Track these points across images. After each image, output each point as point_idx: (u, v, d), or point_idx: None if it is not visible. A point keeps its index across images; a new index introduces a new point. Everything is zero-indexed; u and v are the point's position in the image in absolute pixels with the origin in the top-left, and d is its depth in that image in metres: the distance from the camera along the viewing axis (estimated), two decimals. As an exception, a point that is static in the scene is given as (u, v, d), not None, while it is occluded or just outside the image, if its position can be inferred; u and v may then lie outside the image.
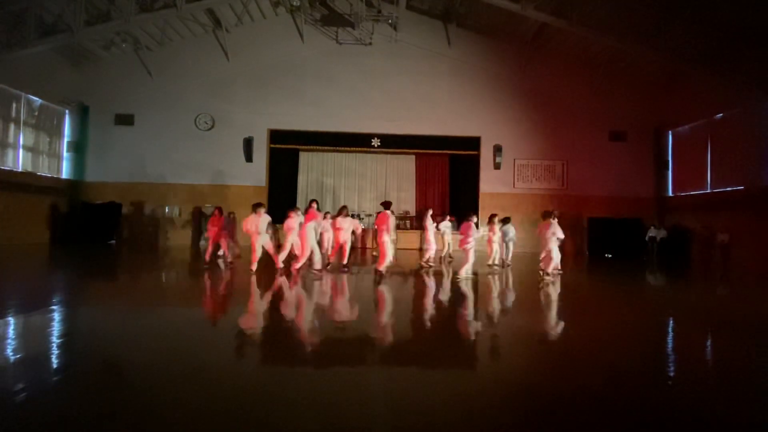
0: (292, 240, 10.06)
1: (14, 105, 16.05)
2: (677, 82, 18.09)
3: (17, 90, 16.00)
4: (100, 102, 18.59)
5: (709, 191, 16.75)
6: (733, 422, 3.14)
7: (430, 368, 4.11)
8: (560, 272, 10.39)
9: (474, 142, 19.32)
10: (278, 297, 7.87)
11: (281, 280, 9.10)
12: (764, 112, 14.40)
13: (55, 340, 4.68)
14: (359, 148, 19.53)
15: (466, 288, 8.89)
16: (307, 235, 9.73)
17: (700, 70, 15.70)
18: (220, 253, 11.94)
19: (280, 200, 17.53)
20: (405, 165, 20.36)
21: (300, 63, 19.20)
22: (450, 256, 13.64)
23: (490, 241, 11.78)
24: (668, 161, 19.16)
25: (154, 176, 18.65)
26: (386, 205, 9.85)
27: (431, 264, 11.52)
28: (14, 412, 2.92)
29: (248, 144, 18.73)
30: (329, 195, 19.87)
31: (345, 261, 10.79)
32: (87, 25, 15.26)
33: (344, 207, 11.04)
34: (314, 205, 11.71)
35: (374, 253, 11.72)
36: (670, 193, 19.09)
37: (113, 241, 17.61)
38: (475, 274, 10.46)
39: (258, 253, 9.70)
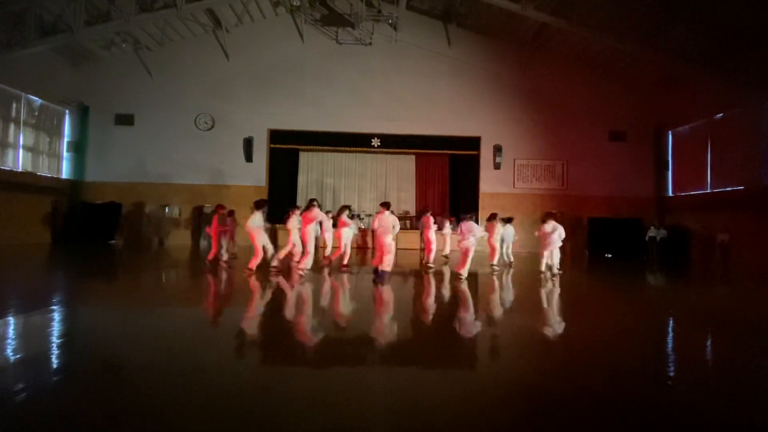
0: (294, 239, 10.05)
1: (14, 105, 16.06)
2: (677, 82, 18.09)
3: (17, 90, 16.01)
4: (100, 102, 18.59)
5: (709, 191, 16.75)
6: (733, 422, 3.14)
7: (430, 368, 4.11)
8: (560, 272, 10.39)
9: (474, 142, 19.32)
10: (278, 297, 7.87)
11: (281, 279, 9.10)
12: (764, 112, 14.40)
13: (55, 340, 4.68)
14: (359, 148, 19.53)
15: (466, 288, 8.89)
16: (308, 235, 9.71)
17: (700, 70, 15.70)
18: (223, 252, 11.84)
19: (280, 200, 17.50)
20: (405, 165, 20.36)
21: (300, 63, 19.21)
22: (446, 257, 13.64)
23: (490, 242, 11.77)
24: (668, 161, 19.16)
25: (154, 176, 18.65)
26: (386, 205, 9.91)
27: (431, 265, 11.48)
28: (14, 412, 2.92)
29: (248, 144, 18.74)
30: (329, 195, 19.87)
31: (345, 261, 10.80)
32: (87, 25, 15.26)
33: (345, 207, 11.05)
34: (315, 205, 11.65)
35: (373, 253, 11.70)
36: (670, 193, 19.09)
37: (113, 241, 17.61)
38: (475, 274, 10.47)
39: (260, 253, 9.64)
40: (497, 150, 19.12)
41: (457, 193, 19.76)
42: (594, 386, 3.70)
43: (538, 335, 5.59)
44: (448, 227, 13.90)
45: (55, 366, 3.94)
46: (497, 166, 19.19)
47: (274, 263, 9.94)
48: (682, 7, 14.33)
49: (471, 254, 9.61)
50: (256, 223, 9.69)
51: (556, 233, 10.08)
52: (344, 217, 10.59)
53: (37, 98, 16.89)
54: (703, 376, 4.19)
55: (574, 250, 17.96)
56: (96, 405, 3.08)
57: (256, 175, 18.84)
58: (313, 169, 20.19)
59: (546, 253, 10.10)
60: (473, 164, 19.43)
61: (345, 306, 7.31)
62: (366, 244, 18.10)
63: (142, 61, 18.47)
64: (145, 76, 18.63)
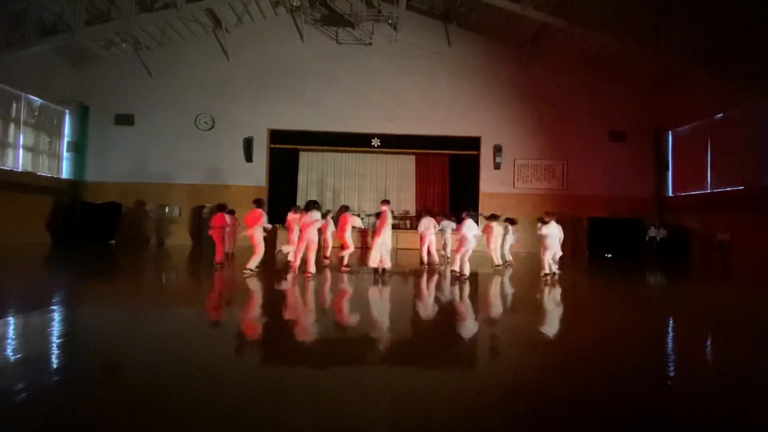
0: (294, 239, 10.05)
1: (14, 105, 16.06)
2: (677, 82, 18.09)
3: (17, 90, 16.01)
4: (100, 102, 18.60)
5: (709, 191, 16.76)
6: (733, 422, 3.14)
7: (430, 368, 4.11)
8: (559, 272, 10.40)
9: (474, 142, 19.33)
10: (279, 296, 7.87)
11: (281, 279, 9.11)
12: (764, 112, 14.41)
13: (55, 340, 4.68)
14: (359, 148, 19.54)
15: (466, 287, 8.89)
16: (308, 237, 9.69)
17: (700, 70, 15.71)
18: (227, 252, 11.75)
19: (280, 200, 17.54)
20: (405, 165, 20.37)
21: (300, 63, 19.21)
22: (445, 257, 13.63)
23: (489, 242, 11.78)
24: (668, 161, 19.16)
25: (154, 176, 18.65)
26: (385, 202, 10.13)
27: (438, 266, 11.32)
28: (14, 412, 2.92)
29: (248, 144, 18.74)
30: (329, 195, 19.87)
31: (346, 260, 10.80)
32: (87, 25, 15.27)
33: (345, 206, 11.06)
34: (315, 208, 11.62)
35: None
36: (670, 193, 19.10)
37: (113, 241, 17.61)
38: (475, 274, 10.47)
39: (260, 252, 9.61)
40: (497, 150, 19.13)
41: (457, 193, 19.76)
42: (594, 386, 3.70)
43: (538, 335, 5.59)
44: (445, 226, 13.82)
45: (55, 366, 3.94)
46: (497, 166, 19.19)
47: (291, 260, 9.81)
48: (682, 7, 14.34)
49: (469, 253, 9.62)
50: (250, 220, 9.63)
51: (558, 232, 10.10)
52: (348, 215, 10.61)
53: (37, 98, 16.89)
54: (703, 376, 4.19)
55: (574, 251, 17.97)
56: (96, 405, 3.08)
57: (256, 175, 18.85)
58: (313, 169, 20.20)
59: (549, 254, 10.10)
60: (473, 164, 19.43)
61: (345, 306, 7.31)
62: (366, 244, 18.08)
63: (142, 61, 18.48)
64: (145, 76, 18.63)
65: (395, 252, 15.75)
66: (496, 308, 7.48)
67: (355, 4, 17.71)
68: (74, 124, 18.50)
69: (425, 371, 4.03)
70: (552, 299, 8.22)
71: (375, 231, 10.18)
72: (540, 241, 10.39)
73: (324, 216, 12.43)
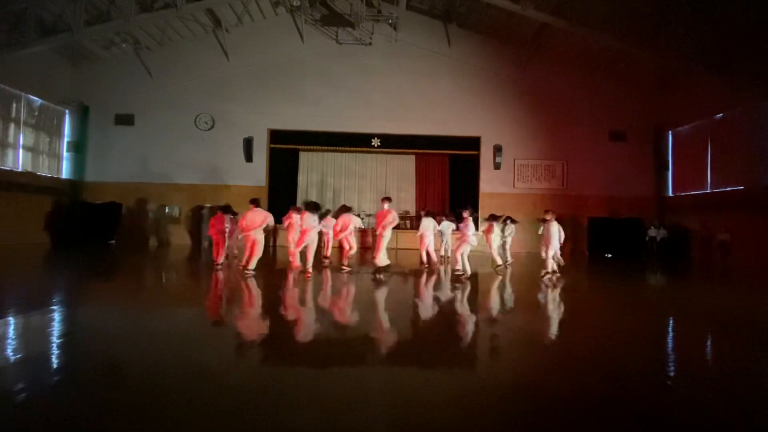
0: (293, 238, 10.04)
1: (14, 105, 16.06)
2: (677, 82, 18.09)
3: (17, 90, 16.01)
4: (100, 102, 18.60)
5: (709, 191, 16.76)
6: (734, 422, 3.14)
7: (430, 368, 4.11)
8: (550, 273, 10.41)
9: (474, 142, 19.33)
10: (279, 296, 7.87)
11: (281, 279, 9.11)
12: (764, 112, 14.41)
13: (55, 340, 4.68)
14: (359, 148, 19.54)
15: (466, 287, 8.89)
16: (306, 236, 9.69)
17: (700, 70, 15.72)
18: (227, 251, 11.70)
19: (280, 200, 17.53)
20: (405, 165, 20.36)
21: (300, 63, 19.21)
22: (445, 257, 13.63)
23: (488, 242, 11.77)
24: (668, 161, 19.16)
25: (154, 176, 18.65)
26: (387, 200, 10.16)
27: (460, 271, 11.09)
28: (14, 412, 2.92)
29: (248, 144, 18.75)
30: (329, 195, 19.87)
31: (346, 260, 10.80)
32: (87, 25, 15.27)
33: (346, 207, 11.06)
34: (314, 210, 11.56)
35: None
36: (670, 193, 19.09)
37: (113, 242, 17.61)
38: (475, 274, 10.46)
39: (258, 252, 9.56)
40: (497, 150, 19.13)
41: (457, 193, 19.74)
42: (594, 386, 3.70)
43: (538, 335, 5.59)
44: (445, 226, 13.81)
45: (55, 366, 3.94)
46: (497, 166, 19.19)
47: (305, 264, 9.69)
48: (682, 7, 14.34)
49: (467, 251, 9.62)
50: (252, 220, 9.56)
51: (560, 231, 10.12)
52: (347, 216, 10.60)
53: (37, 98, 16.89)
54: (703, 376, 4.19)
55: (574, 250, 17.98)
56: (96, 405, 3.08)
57: (256, 175, 18.85)
58: (313, 169, 20.20)
59: (551, 253, 10.10)
60: (473, 164, 19.44)
61: (345, 305, 7.31)
62: (366, 243, 18.09)
63: (142, 61, 18.48)
64: (145, 76, 18.64)
65: (395, 252, 15.77)
66: (496, 308, 7.48)
67: (355, 4, 17.71)
68: (74, 124, 18.50)
69: (425, 371, 4.03)
70: (552, 299, 8.22)
71: (375, 229, 10.21)
72: (541, 241, 10.39)
73: (324, 215, 12.44)
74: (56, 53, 17.12)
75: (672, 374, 4.19)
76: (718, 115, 16.36)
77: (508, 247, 12.64)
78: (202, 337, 5.09)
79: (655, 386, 3.75)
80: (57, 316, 5.72)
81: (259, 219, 9.45)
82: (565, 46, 18.33)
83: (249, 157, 18.76)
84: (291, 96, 19.00)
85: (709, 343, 5.70)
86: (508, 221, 12.63)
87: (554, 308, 7.55)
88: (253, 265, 9.40)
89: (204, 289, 8.88)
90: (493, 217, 11.50)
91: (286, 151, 19.34)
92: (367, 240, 18.00)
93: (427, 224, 11.89)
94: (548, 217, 10.24)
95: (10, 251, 13.55)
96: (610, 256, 17.56)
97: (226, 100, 18.90)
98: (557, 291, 8.90)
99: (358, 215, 14.17)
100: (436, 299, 8.00)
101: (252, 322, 6.01)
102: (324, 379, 3.73)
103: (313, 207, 9.92)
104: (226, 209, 11.16)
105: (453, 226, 13.15)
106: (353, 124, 18.98)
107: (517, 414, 3.18)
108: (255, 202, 9.77)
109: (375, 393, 3.44)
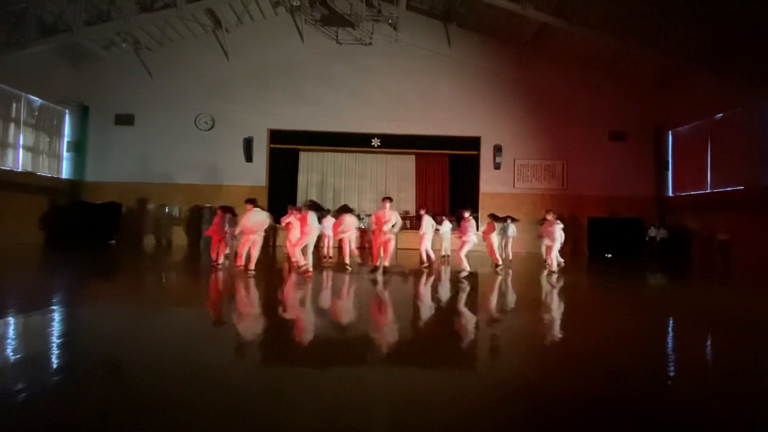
0: (293, 237, 10.03)
1: (14, 105, 16.06)
2: (677, 82, 18.10)
3: (17, 90, 16.01)
4: (100, 102, 18.61)
5: (709, 191, 16.76)
6: (734, 422, 3.14)
7: (430, 368, 4.11)
8: (555, 272, 10.42)
9: (474, 142, 19.33)
10: (279, 296, 7.87)
11: (281, 279, 9.10)
12: (764, 112, 14.41)
13: (55, 340, 4.68)
14: (359, 148, 19.55)
15: (467, 287, 8.89)
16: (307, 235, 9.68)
17: (700, 70, 15.72)
18: (227, 252, 11.67)
19: (280, 200, 17.51)
20: (405, 165, 20.37)
21: (300, 63, 19.22)
22: (445, 257, 13.64)
23: (488, 242, 11.77)
24: (668, 161, 19.17)
25: (154, 176, 18.66)
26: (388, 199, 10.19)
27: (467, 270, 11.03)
28: (14, 412, 2.92)
29: (248, 144, 18.75)
30: (330, 195, 19.87)
31: (346, 260, 10.79)
32: (87, 25, 15.27)
33: (347, 207, 11.05)
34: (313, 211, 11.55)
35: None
36: (670, 193, 19.10)
37: (113, 241, 17.61)
38: (475, 274, 10.46)
39: (257, 252, 9.55)
40: (497, 150, 19.13)
41: (457, 193, 19.76)
42: (594, 386, 3.70)
43: (538, 335, 5.59)
44: (444, 227, 13.84)
45: (55, 366, 3.94)
46: (497, 166, 19.20)
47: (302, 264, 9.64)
48: (682, 7, 14.33)
49: (466, 250, 9.63)
50: (255, 221, 9.55)
51: (561, 230, 10.16)
52: (347, 216, 10.60)
53: (37, 98, 16.89)
54: (703, 376, 4.19)
55: (574, 250, 17.97)
56: (96, 405, 3.08)
57: (256, 175, 18.86)
58: (313, 169, 20.20)
59: (553, 251, 10.11)
60: (473, 164, 19.44)
61: (346, 305, 7.31)
62: (365, 244, 18.08)
63: (142, 61, 18.48)
64: (145, 76, 18.64)
65: (395, 252, 15.75)
66: (496, 308, 7.47)
67: (355, 4, 17.71)
68: (74, 124, 18.50)
69: (425, 371, 4.03)
70: (552, 299, 8.21)
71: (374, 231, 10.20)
72: (541, 240, 10.39)
73: (324, 215, 12.46)
74: (56, 53, 17.12)
75: (672, 374, 4.19)
76: (718, 115, 16.37)
77: (509, 246, 12.65)
78: (202, 337, 5.09)
79: (655, 386, 3.75)
80: (57, 316, 5.72)
81: (262, 220, 9.44)
82: (565, 46, 18.33)
83: (249, 157, 18.76)
84: (291, 96, 19.01)
85: (709, 343, 5.69)
86: (509, 221, 12.66)
87: (554, 308, 7.55)
88: (252, 265, 9.38)
89: (204, 289, 8.87)
90: (494, 217, 11.50)
91: (286, 151, 19.34)
92: (367, 240, 17.98)
93: (427, 224, 11.88)
94: (549, 217, 10.25)
95: (10, 251, 13.55)
96: (610, 256, 17.56)
97: (226, 100, 18.91)
98: (557, 291, 8.89)
99: (358, 215, 14.18)
100: (435, 299, 7.99)
101: (252, 322, 6.01)
102: (324, 379, 3.73)
103: (314, 207, 9.89)
104: (227, 209, 11.10)
105: (452, 226, 13.14)
106: (353, 124, 18.99)
107: (517, 414, 3.18)
108: (253, 202, 9.63)
109: (375, 393, 3.44)
